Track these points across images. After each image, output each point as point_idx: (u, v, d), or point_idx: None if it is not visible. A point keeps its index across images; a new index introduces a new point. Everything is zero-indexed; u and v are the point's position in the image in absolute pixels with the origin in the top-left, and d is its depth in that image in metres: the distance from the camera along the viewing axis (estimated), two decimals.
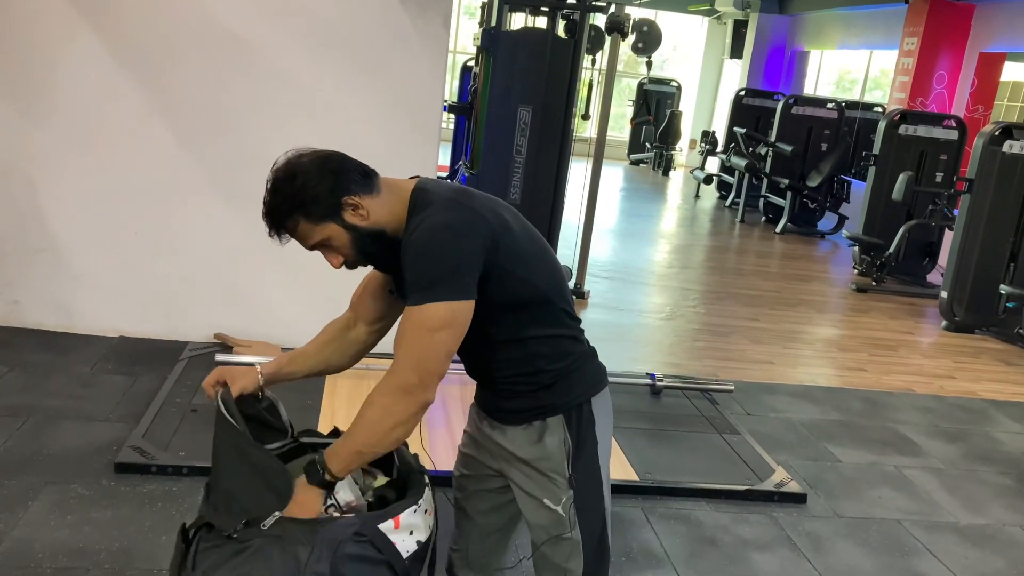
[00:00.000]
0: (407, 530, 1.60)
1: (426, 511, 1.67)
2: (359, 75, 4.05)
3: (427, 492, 1.70)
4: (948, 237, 7.05)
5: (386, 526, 1.58)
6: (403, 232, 1.59)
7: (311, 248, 1.61)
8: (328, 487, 1.58)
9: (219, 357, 3.94)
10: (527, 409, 1.71)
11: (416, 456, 1.83)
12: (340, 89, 4.05)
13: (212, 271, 4.19)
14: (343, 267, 1.63)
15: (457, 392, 3.92)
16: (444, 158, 9.51)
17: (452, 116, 9.20)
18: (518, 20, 8.00)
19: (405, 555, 1.60)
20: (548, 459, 1.71)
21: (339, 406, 3.65)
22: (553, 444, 1.70)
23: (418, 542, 1.63)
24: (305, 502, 1.56)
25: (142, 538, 2.63)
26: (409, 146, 4.14)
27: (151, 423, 3.30)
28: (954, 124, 7.91)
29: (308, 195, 1.54)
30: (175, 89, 3.98)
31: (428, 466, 1.85)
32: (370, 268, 1.76)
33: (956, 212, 6.76)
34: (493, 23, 6.70)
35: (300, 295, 4.24)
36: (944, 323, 6.39)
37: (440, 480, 1.90)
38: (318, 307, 4.22)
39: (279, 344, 4.14)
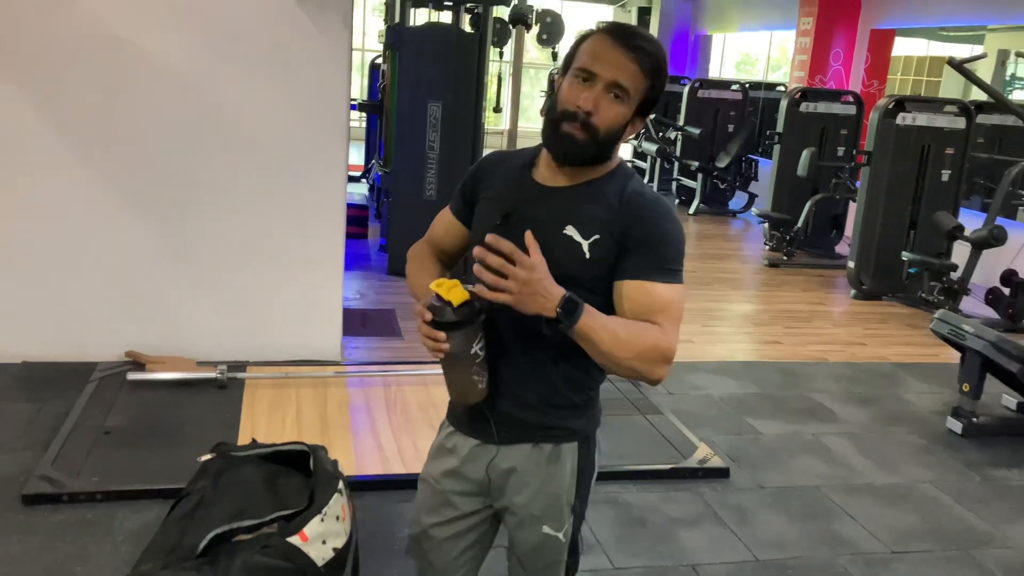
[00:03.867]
0: (319, 540, 1.59)
1: (337, 517, 1.65)
2: (260, 75, 3.96)
3: (335, 498, 1.67)
4: (852, 209, 7.30)
5: (294, 540, 1.56)
6: (605, 173, 1.59)
7: (611, 82, 1.52)
8: (564, 313, 1.45)
9: (131, 376, 3.82)
10: (547, 427, 1.62)
11: (335, 462, 1.80)
12: (241, 90, 3.95)
13: (119, 286, 4.04)
14: (585, 111, 1.52)
15: (381, 394, 3.88)
16: (358, 157, 9.40)
17: (364, 115, 9.11)
18: (423, 16, 7.94)
19: (321, 563, 1.58)
20: (557, 487, 1.64)
21: (259, 416, 3.57)
22: (565, 470, 1.64)
23: (335, 549, 1.61)
24: (549, 291, 1.45)
25: (57, 569, 2.53)
26: (317, 145, 4.08)
27: (60, 449, 3.16)
28: (852, 99, 8.19)
29: (660, 86, 1.57)
30: (66, 97, 3.82)
31: (350, 471, 1.83)
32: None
33: (859, 184, 7.02)
34: (397, 20, 6.65)
35: (212, 308, 4.14)
36: (853, 292, 6.63)
37: (365, 484, 1.88)
38: (230, 319, 4.17)
39: (194, 358, 4.03)
